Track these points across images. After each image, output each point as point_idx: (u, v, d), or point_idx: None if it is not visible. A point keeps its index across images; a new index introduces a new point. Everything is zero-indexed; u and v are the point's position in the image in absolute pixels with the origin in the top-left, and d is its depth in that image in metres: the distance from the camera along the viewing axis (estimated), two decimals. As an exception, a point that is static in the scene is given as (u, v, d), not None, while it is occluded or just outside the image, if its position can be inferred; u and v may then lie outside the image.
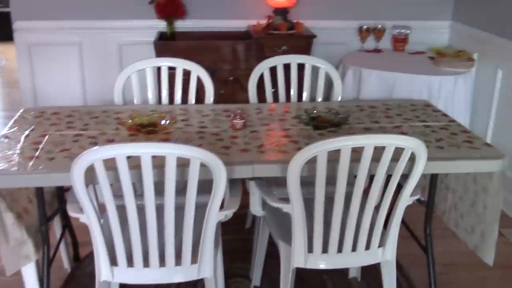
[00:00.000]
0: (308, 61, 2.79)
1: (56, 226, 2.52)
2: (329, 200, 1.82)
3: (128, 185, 1.67)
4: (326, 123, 2.27)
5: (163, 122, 2.24)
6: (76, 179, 1.66)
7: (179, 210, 1.73)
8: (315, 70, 2.77)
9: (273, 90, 2.76)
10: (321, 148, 1.71)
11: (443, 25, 3.97)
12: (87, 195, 1.71)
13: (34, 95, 3.84)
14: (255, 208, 2.21)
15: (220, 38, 3.51)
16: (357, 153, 1.73)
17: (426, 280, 2.35)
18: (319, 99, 2.79)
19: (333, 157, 1.73)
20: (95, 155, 1.62)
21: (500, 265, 2.23)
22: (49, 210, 2.22)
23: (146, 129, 2.16)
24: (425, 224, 2.30)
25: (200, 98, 2.73)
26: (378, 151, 1.74)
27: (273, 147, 2.04)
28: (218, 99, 2.69)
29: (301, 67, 2.77)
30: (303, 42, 3.47)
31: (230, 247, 2.72)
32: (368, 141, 1.72)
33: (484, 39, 3.46)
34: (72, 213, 1.83)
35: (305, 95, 2.79)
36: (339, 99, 2.77)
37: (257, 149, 2.02)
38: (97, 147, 1.61)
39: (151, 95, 2.69)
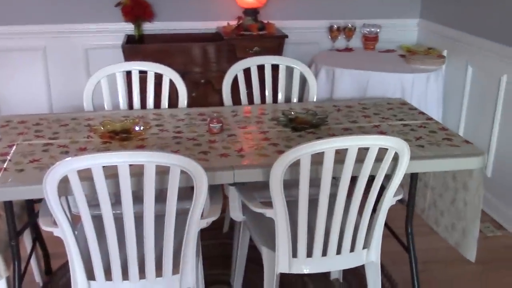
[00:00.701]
0: (282, 62, 2.75)
1: (26, 239, 2.41)
2: (312, 203, 1.78)
3: (105, 196, 1.59)
4: (304, 124, 2.23)
5: (137, 128, 2.17)
6: (49, 191, 1.57)
7: (158, 218, 1.66)
8: (289, 70, 2.74)
9: (247, 91, 2.71)
10: (304, 151, 1.67)
11: (411, 23, 3.99)
12: (61, 208, 1.62)
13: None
14: (235, 214, 2.16)
15: (190, 40, 3.44)
16: (339, 154, 1.70)
17: (408, 278, 2.34)
18: (295, 100, 2.76)
19: (316, 159, 1.69)
20: (69, 166, 1.53)
21: (480, 260, 2.23)
22: (18, 223, 2.12)
23: (120, 136, 2.08)
24: (406, 223, 2.29)
25: (173, 102, 2.66)
26: (361, 152, 1.71)
27: (252, 151, 1.99)
28: (190, 102, 2.63)
29: (274, 68, 2.73)
30: (274, 43, 3.43)
31: (209, 252, 2.66)
32: (352, 143, 1.69)
33: (452, 36, 3.49)
34: (45, 227, 1.74)
35: (280, 96, 2.75)
36: (315, 99, 2.74)
37: (237, 153, 1.97)
38: (70, 157, 1.53)
39: (122, 100, 2.60)
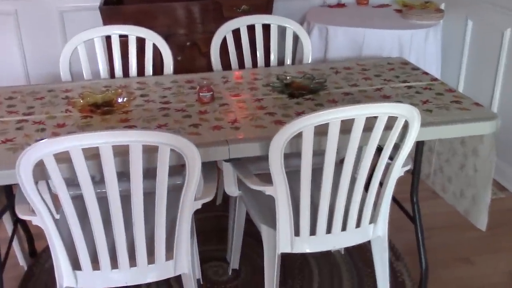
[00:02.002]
0: (274, 21, 2.55)
1: (6, 221, 2.25)
2: (314, 174, 1.62)
3: (86, 180, 1.42)
4: (302, 90, 2.06)
5: (120, 100, 1.98)
6: (24, 178, 1.40)
7: (147, 196, 1.50)
8: (280, 30, 2.54)
9: (236, 54, 2.52)
10: (307, 123, 1.51)
11: (406, -26, 3.77)
12: (39, 195, 1.45)
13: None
14: (230, 189, 2.01)
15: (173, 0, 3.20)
16: (344, 123, 1.54)
17: (411, 246, 2.22)
18: (288, 62, 2.57)
19: (318, 129, 1.53)
20: (44, 150, 1.36)
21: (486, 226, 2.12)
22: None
23: (102, 109, 1.90)
24: (412, 191, 2.15)
25: (157, 68, 2.46)
26: (368, 121, 1.55)
27: (247, 122, 1.82)
28: (175, 67, 2.43)
29: (265, 28, 2.54)
30: (263, 0, 3.20)
31: (202, 226, 2.52)
32: (359, 112, 1.52)
33: (451, -12, 3.30)
34: (22, 215, 1.58)
35: (272, 58, 2.57)
36: (310, 60, 2.56)
37: (230, 125, 1.80)
38: (45, 140, 1.35)
39: (102, 68, 2.40)
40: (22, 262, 2.36)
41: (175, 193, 1.57)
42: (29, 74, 3.50)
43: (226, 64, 2.50)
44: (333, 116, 1.51)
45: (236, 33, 2.51)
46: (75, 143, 1.35)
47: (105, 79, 2.38)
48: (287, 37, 2.56)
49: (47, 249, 2.43)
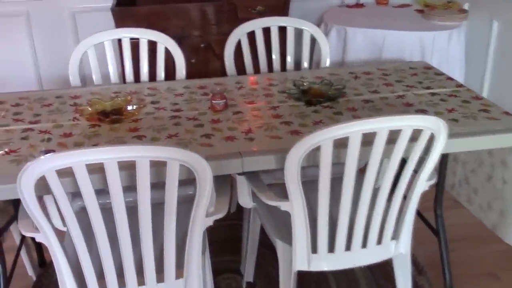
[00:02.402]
0: (290, 23, 2.45)
1: (14, 229, 2.18)
2: (333, 187, 1.52)
3: (91, 196, 1.34)
4: (320, 97, 1.96)
5: (129, 107, 1.90)
6: (25, 193, 1.33)
7: (155, 207, 1.41)
8: (297, 32, 2.45)
9: (251, 57, 2.42)
10: (325, 136, 1.41)
11: (428, -27, 3.64)
12: (41, 211, 1.38)
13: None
14: (244, 200, 1.91)
15: (187, 0, 3.11)
16: (364, 135, 1.43)
17: (434, 259, 2.12)
18: (305, 65, 2.48)
19: (338, 141, 1.43)
20: (46, 165, 1.28)
21: None
22: (2, 218, 1.89)
23: (110, 117, 1.82)
24: (435, 204, 2.05)
25: (170, 71, 2.38)
26: (390, 133, 1.45)
27: (262, 132, 1.73)
28: (189, 69, 2.35)
29: (281, 30, 2.44)
30: (279, 1, 3.10)
31: (216, 236, 2.42)
32: (382, 125, 1.42)
33: (475, -13, 3.16)
34: (24, 232, 1.50)
35: (289, 63, 2.47)
36: (327, 64, 2.46)
37: (244, 135, 1.71)
38: (47, 155, 1.27)
39: (112, 73, 2.32)
40: (30, 272, 2.30)
41: (186, 205, 1.49)
42: (41, 76, 3.44)
43: (240, 68, 2.42)
44: (354, 129, 1.41)
45: (251, 35, 2.42)
46: (78, 159, 1.27)
47: (116, 84, 2.31)
48: (304, 40, 2.46)
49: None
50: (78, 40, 3.32)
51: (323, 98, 1.94)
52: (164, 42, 2.32)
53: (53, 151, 1.62)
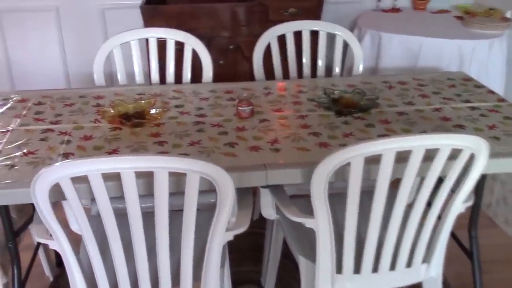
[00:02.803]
0: (323, 27, 2.36)
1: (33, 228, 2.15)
2: (360, 203, 1.43)
3: (106, 206, 1.28)
4: (351, 107, 1.86)
5: (152, 111, 1.83)
6: (39, 200, 1.27)
7: (172, 216, 1.33)
8: (329, 37, 2.35)
9: (280, 61, 2.34)
10: (356, 153, 1.32)
11: (469, -22, 3.50)
12: (55, 218, 1.32)
13: (7, 69, 3.39)
14: (267, 212, 1.84)
15: (218, 0, 3.04)
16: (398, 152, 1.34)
17: (467, 281, 2.00)
18: (337, 70, 2.38)
19: (369, 157, 1.34)
20: (61, 172, 1.22)
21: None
22: (18, 218, 1.85)
23: (132, 121, 1.75)
24: (470, 225, 1.93)
25: (196, 73, 2.31)
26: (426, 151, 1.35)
27: (289, 143, 1.64)
28: (217, 71, 2.28)
29: (312, 34, 2.35)
30: (313, 3, 3.01)
31: (237, 244, 2.32)
32: (418, 143, 1.32)
33: (520, -5, 3.01)
34: (38, 238, 1.45)
35: (319, 68, 2.38)
36: (360, 71, 2.35)
37: (270, 145, 1.62)
38: (62, 162, 1.21)
39: (138, 74, 2.27)
40: (47, 272, 2.27)
41: (208, 213, 1.41)
42: (69, 72, 3.42)
43: (269, 72, 2.33)
44: (387, 146, 1.31)
45: (281, 38, 2.33)
46: (94, 167, 1.21)
47: (140, 85, 2.25)
48: (337, 45, 2.36)
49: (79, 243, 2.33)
50: (106, 37, 3.29)
51: (354, 109, 1.84)
52: (192, 43, 2.25)
53: (72, 154, 1.57)
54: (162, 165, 1.22)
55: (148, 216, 1.32)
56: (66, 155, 1.57)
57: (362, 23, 3.06)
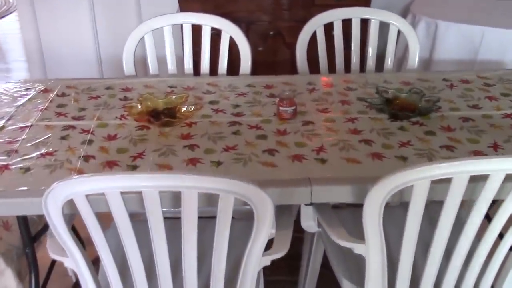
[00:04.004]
0: (375, 15, 2.12)
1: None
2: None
3: (126, 226, 1.11)
4: (408, 110, 1.64)
5: (184, 108, 1.65)
6: (52, 216, 1.11)
7: (201, 223, 1.15)
8: (381, 26, 2.11)
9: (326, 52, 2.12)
10: (420, 175, 1.10)
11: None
12: (70, 235, 1.16)
13: (39, 52, 3.26)
14: (308, 224, 1.64)
15: (259, -19, 2.82)
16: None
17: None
18: (389, 65, 2.14)
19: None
20: (75, 188, 1.05)
21: None
22: (39, 219, 1.72)
23: (161, 119, 1.58)
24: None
25: (233, 63, 2.11)
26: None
27: (337, 152, 1.44)
28: (256, 58, 2.08)
29: (362, 22, 2.12)
30: (363, -14, 2.75)
31: (271, 251, 2.18)
32: (497, 167, 1.10)
33: None
34: (53, 255, 1.30)
35: (369, 61, 2.14)
36: (416, 65, 2.11)
37: (315, 154, 1.42)
38: (76, 177, 1.04)
39: (170, 63, 2.08)
40: (70, 272, 2.14)
41: (243, 222, 1.23)
42: (101, 56, 3.27)
43: (313, 64, 2.11)
44: (459, 169, 1.09)
45: (327, 27, 2.11)
46: (112, 185, 1.04)
47: (173, 75, 2.07)
48: (390, 36, 2.12)
49: (97, 260, 2.20)
50: (140, 20, 3.11)
51: (412, 112, 1.62)
52: (230, 30, 2.05)
53: (93, 158, 1.41)
54: (191, 185, 1.04)
55: (172, 223, 1.14)
56: (86, 158, 1.40)
57: (416, 9, 2.79)
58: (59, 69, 3.24)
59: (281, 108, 1.61)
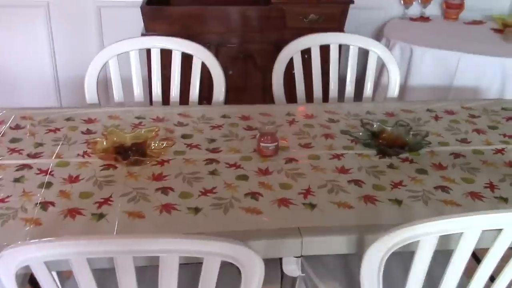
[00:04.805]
0: (355, 41, 2.02)
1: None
2: None
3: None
4: (396, 145, 1.53)
5: (154, 145, 1.50)
6: (4, 282, 0.94)
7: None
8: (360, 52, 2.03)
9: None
10: (426, 230, 0.99)
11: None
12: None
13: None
14: (290, 267, 1.50)
15: (228, 3, 2.70)
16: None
17: None
18: (368, 91, 2.05)
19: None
20: (31, 254, 0.89)
21: None
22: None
23: (129, 158, 1.42)
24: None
25: (205, 87, 1.97)
26: None
27: (326, 195, 1.31)
28: (226, 82, 1.93)
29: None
30: (336, 9, 2.67)
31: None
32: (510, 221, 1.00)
33: None
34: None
35: (349, 88, 2.05)
36: (396, 94, 2.03)
37: (303, 198, 1.29)
38: (32, 242, 0.88)
39: (137, 88, 1.93)
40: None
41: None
42: (58, 76, 3.06)
43: (287, 89, 1.99)
44: (472, 223, 0.98)
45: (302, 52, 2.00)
46: (77, 250, 0.87)
47: (140, 104, 1.92)
48: (369, 63, 2.04)
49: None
50: (102, 39, 2.94)
51: (401, 149, 1.51)
52: (202, 55, 1.91)
53: (52, 204, 1.23)
54: (170, 248, 0.89)
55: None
56: (44, 206, 1.23)
57: (390, 34, 2.73)
58: (12, 95, 3.02)
59: (262, 144, 1.48)
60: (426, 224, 0.98)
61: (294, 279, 1.62)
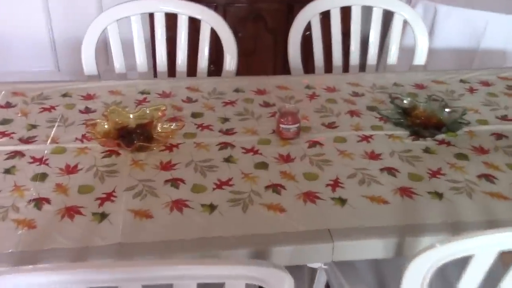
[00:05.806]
0: (379, 3, 1.83)
1: None
2: None
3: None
4: (432, 125, 1.37)
5: (159, 127, 1.34)
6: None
7: None
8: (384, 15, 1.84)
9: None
10: (480, 243, 0.84)
11: None
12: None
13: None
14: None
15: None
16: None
17: None
18: (392, 61, 1.87)
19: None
20: (11, 282, 0.74)
21: None
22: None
23: (134, 144, 1.26)
24: None
25: (213, 54, 1.79)
26: None
27: (356, 186, 1.16)
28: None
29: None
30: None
31: None
32: None
33: None
34: None
35: (371, 57, 1.87)
36: (424, 62, 1.85)
37: (331, 191, 1.14)
38: (18, 269, 0.73)
39: (140, 62, 1.75)
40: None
41: None
42: (55, 39, 2.86)
43: (306, 59, 1.82)
44: (540, 237, 0.84)
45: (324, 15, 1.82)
46: (76, 278, 0.73)
47: (143, 76, 1.75)
48: (394, 26, 1.85)
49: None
50: (100, 2, 2.73)
51: (437, 130, 1.35)
52: (211, 20, 1.72)
53: (47, 202, 1.09)
54: (188, 274, 0.75)
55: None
56: (39, 203, 1.08)
57: (413, -9, 2.51)
58: (9, 60, 2.82)
59: (282, 125, 1.31)
60: (479, 238, 0.84)
61: (314, 270, 1.50)
